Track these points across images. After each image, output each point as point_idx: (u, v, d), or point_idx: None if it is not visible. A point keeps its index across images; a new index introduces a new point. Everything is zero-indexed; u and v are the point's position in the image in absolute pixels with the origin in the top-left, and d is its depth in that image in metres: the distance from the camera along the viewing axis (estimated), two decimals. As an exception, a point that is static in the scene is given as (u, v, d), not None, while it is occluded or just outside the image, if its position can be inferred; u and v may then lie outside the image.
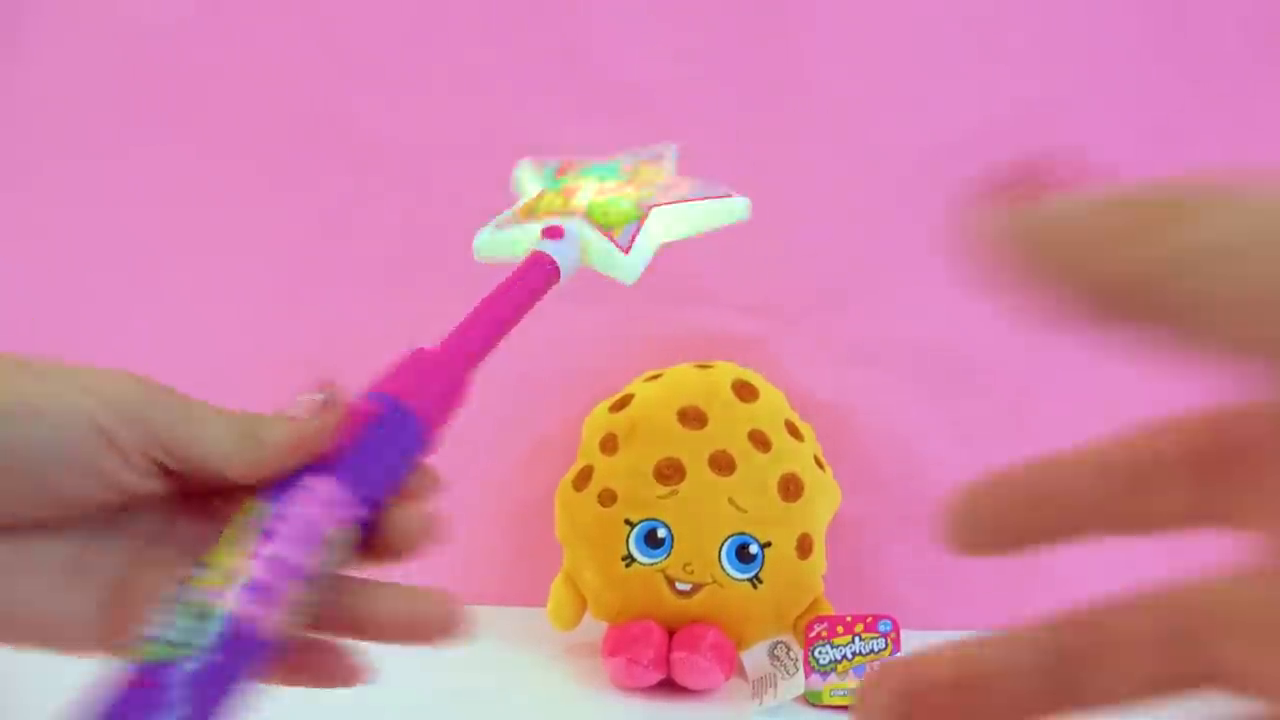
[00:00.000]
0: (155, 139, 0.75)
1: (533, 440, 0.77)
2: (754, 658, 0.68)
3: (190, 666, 0.29)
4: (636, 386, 0.72)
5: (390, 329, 0.78)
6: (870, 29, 0.75)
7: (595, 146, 0.75)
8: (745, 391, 0.71)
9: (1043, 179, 0.21)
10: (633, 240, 0.48)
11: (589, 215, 0.49)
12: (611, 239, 0.48)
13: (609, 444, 0.69)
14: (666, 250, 0.77)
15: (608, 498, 0.68)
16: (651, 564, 0.67)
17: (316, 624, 0.33)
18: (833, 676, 0.64)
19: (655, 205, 0.50)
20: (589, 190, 0.51)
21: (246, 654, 0.30)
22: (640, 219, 0.49)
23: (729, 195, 0.54)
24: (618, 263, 0.48)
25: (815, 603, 0.70)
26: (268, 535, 0.31)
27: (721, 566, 0.67)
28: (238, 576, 0.30)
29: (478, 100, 0.75)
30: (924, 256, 0.77)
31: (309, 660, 0.34)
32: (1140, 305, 0.18)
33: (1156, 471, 0.22)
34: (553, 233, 0.46)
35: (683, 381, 0.71)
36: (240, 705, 0.30)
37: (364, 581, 0.34)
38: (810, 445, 0.72)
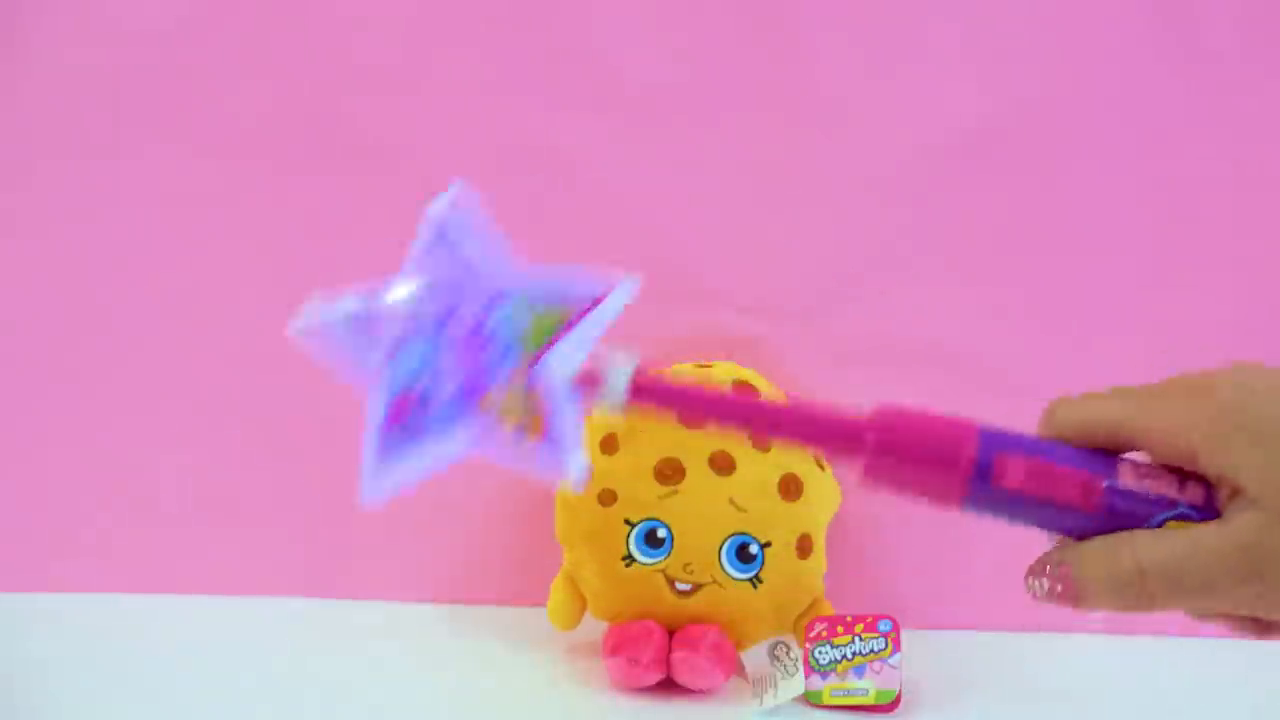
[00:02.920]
0: (154, 139, 0.75)
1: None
2: (754, 658, 0.68)
3: None
4: (636, 386, 0.72)
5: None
6: (870, 29, 0.75)
7: (595, 146, 0.76)
8: (745, 391, 0.71)
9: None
10: (559, 434, 0.40)
11: (499, 416, 0.42)
12: (532, 451, 0.41)
13: (609, 444, 0.69)
14: (663, 256, 0.78)
15: (608, 498, 0.68)
16: (651, 564, 0.67)
17: None
18: (833, 676, 0.64)
19: (536, 361, 0.41)
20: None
21: None
22: (537, 398, 0.41)
23: (608, 291, 0.42)
24: (562, 469, 0.40)
25: (815, 603, 0.70)
26: None
27: (721, 566, 0.67)
28: None
29: (478, 100, 0.75)
30: (923, 256, 0.77)
31: None
32: None
33: None
34: (591, 381, 0.40)
35: (683, 381, 0.71)
36: None
37: None
38: (810, 445, 0.71)
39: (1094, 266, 0.77)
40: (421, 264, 0.46)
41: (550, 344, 0.42)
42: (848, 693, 0.64)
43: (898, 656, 0.64)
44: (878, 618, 0.65)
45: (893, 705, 0.64)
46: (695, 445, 0.68)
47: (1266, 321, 0.77)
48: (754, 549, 0.67)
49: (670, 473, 0.67)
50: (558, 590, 0.70)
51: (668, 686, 0.66)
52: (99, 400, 0.77)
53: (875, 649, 0.64)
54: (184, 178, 0.76)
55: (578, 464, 0.41)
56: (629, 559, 0.67)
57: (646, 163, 0.76)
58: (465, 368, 0.43)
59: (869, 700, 0.64)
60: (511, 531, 0.78)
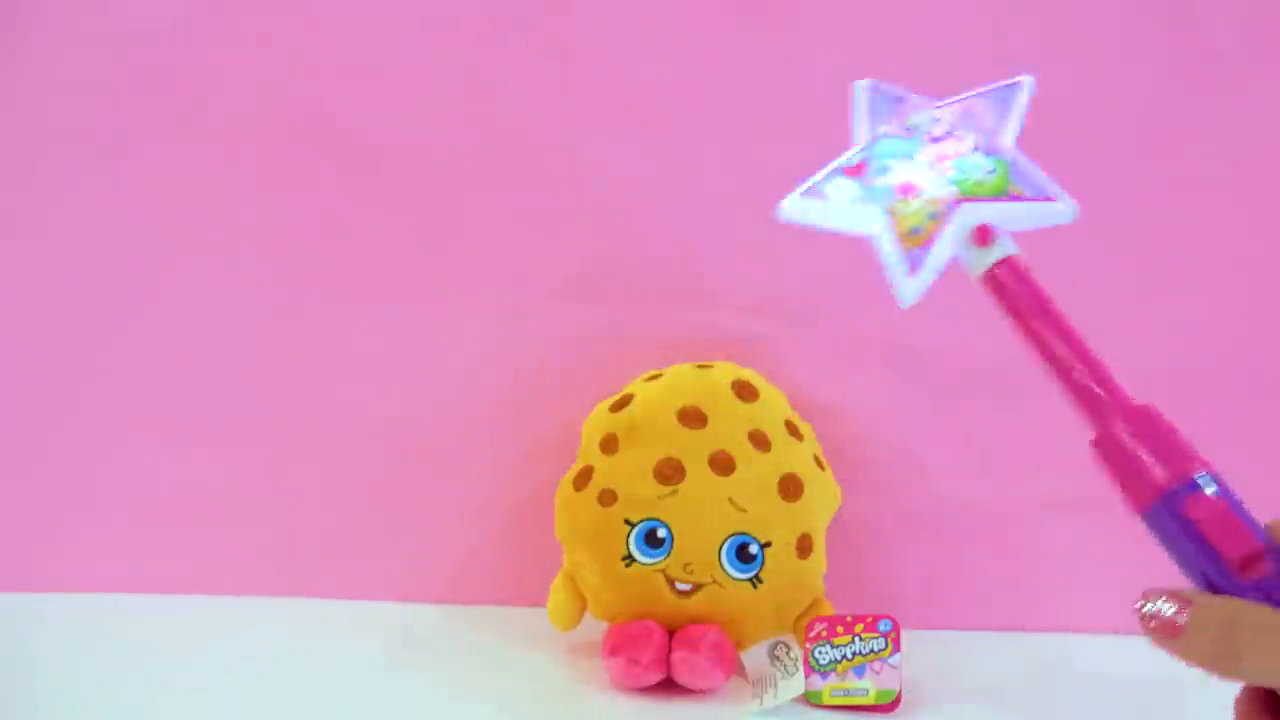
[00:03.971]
0: (153, 140, 0.75)
1: (533, 440, 0.77)
2: (754, 658, 0.68)
3: None
4: (636, 386, 0.72)
5: (390, 329, 0.79)
6: (870, 29, 0.75)
7: (597, 146, 0.76)
8: (745, 391, 0.71)
9: None
10: (924, 259, 0.48)
11: (895, 216, 0.49)
12: (901, 251, 0.48)
13: (609, 444, 0.69)
14: (663, 256, 0.78)
15: (608, 498, 0.68)
16: (651, 564, 0.67)
17: None
18: (833, 676, 0.64)
19: (964, 201, 0.48)
20: (909, 172, 0.51)
21: None
22: (938, 224, 0.48)
23: (1052, 199, 0.50)
24: (900, 283, 0.48)
25: (815, 603, 0.70)
26: None
27: (721, 566, 0.67)
28: None
29: (478, 100, 0.75)
30: (924, 256, 0.77)
31: None
32: None
33: None
34: (983, 237, 0.47)
35: (683, 381, 0.71)
36: None
37: None
38: (810, 445, 0.72)
39: (1094, 266, 0.77)
40: (977, 99, 0.53)
41: (983, 199, 0.48)
42: (848, 693, 0.64)
43: (898, 656, 0.64)
44: (878, 618, 0.65)
45: (893, 705, 0.64)
46: (695, 445, 0.68)
47: (1267, 321, 0.77)
48: (754, 549, 0.67)
49: (670, 473, 0.67)
50: (558, 590, 0.70)
51: (668, 686, 0.66)
52: (99, 400, 0.77)
53: (875, 649, 0.64)
54: (183, 178, 0.76)
55: (920, 287, 0.48)
56: (629, 559, 0.67)
57: (646, 163, 0.76)
58: (915, 176, 0.50)
59: (869, 700, 0.64)
60: (511, 531, 0.78)
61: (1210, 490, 0.38)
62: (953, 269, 0.48)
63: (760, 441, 0.68)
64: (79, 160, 0.75)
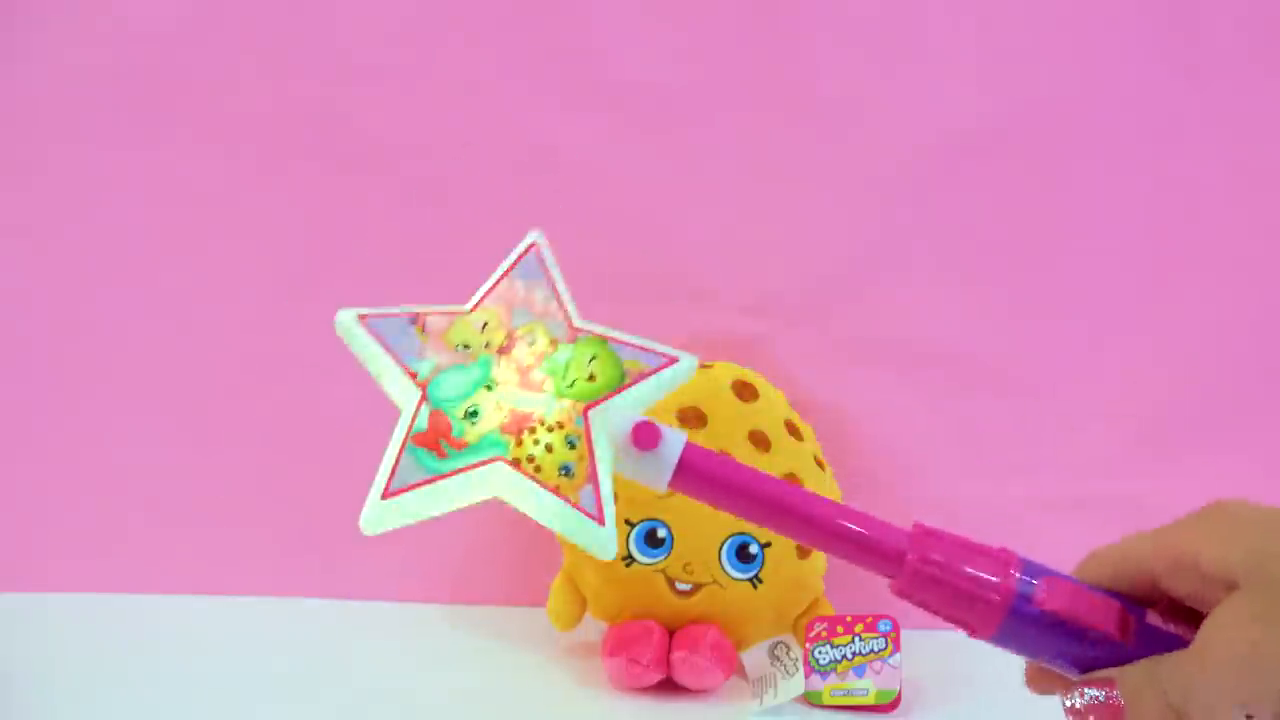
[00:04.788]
0: (155, 139, 0.75)
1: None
2: (754, 658, 0.68)
3: None
4: (636, 386, 0.72)
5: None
6: (870, 29, 0.75)
7: (595, 146, 0.76)
8: (745, 391, 0.71)
9: None
10: (597, 501, 0.37)
11: (523, 466, 0.38)
12: (570, 504, 0.37)
13: (609, 444, 0.69)
14: (663, 256, 0.78)
15: (608, 498, 0.68)
16: (651, 564, 0.67)
17: None
18: (833, 676, 0.64)
19: (591, 407, 0.39)
20: (494, 415, 0.39)
21: None
22: (584, 449, 0.38)
23: (674, 359, 0.42)
24: (594, 539, 0.37)
25: (815, 603, 0.70)
26: None
27: (721, 566, 0.67)
28: None
29: (478, 100, 0.75)
30: (924, 256, 0.77)
31: None
32: None
33: None
34: (646, 438, 0.39)
35: (683, 381, 0.71)
36: None
37: None
38: (810, 445, 0.72)
39: (1094, 266, 0.77)
40: (508, 282, 0.44)
41: (608, 395, 0.40)
42: (848, 693, 0.64)
43: (898, 656, 0.64)
44: (878, 618, 0.65)
45: (893, 705, 0.64)
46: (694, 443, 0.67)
47: (1267, 321, 0.77)
48: (754, 549, 0.67)
49: (670, 473, 0.67)
50: (558, 590, 0.70)
51: (668, 686, 0.66)
52: (99, 400, 0.77)
53: (875, 649, 0.64)
54: (182, 178, 0.76)
55: (611, 530, 0.37)
56: (629, 559, 0.67)
57: (646, 163, 0.76)
58: (514, 405, 0.39)
59: (869, 700, 0.64)
60: (511, 531, 0.78)
61: (1042, 574, 0.37)
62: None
63: (760, 441, 0.68)
64: (79, 160, 0.75)
